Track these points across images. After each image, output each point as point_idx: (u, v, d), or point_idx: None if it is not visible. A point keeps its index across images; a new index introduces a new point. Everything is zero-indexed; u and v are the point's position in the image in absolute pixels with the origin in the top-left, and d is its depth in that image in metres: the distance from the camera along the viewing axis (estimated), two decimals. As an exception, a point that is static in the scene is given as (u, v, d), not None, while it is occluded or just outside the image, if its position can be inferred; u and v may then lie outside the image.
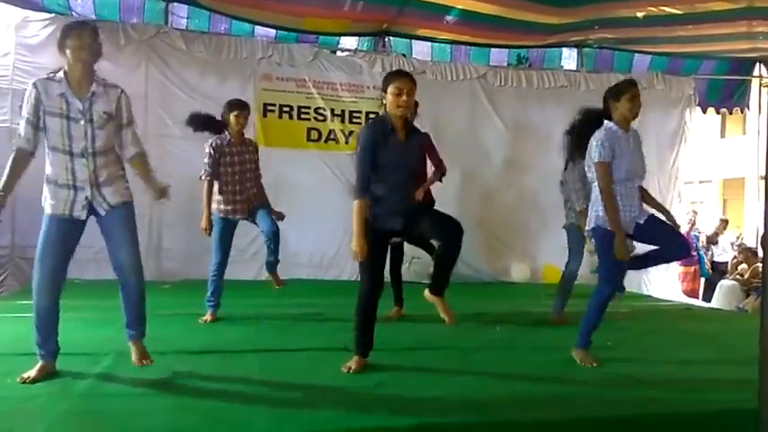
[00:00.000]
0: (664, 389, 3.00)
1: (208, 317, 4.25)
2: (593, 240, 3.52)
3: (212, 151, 4.23)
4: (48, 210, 2.75)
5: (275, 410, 2.49)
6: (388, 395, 2.74)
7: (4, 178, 2.73)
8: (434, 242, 3.34)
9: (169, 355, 3.16)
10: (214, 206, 4.24)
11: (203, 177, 4.23)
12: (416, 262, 6.32)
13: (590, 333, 3.39)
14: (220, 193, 4.23)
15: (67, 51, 2.70)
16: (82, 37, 2.69)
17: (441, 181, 4.65)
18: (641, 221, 3.35)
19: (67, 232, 2.76)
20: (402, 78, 3.06)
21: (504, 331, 4.32)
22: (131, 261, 2.84)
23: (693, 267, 9.06)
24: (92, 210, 2.77)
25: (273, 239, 4.29)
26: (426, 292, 3.14)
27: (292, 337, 3.95)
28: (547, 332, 4.42)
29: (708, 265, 9.51)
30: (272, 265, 4.38)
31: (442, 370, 3.16)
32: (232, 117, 4.25)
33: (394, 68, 7.25)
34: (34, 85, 2.70)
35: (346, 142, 7.16)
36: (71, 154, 2.70)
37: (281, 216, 4.41)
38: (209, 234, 4.22)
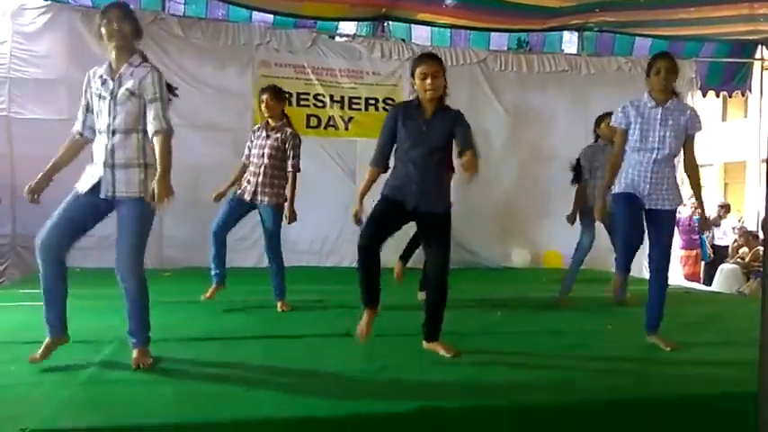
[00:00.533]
0: (664, 372, 3.01)
1: (210, 291, 4.28)
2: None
3: (250, 134, 4.44)
4: (77, 184, 2.79)
5: (278, 396, 2.50)
6: (391, 379, 2.75)
7: (52, 161, 2.82)
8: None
9: (171, 342, 3.17)
10: None
11: (243, 159, 4.41)
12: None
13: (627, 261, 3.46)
14: (247, 173, 4.32)
15: (102, 38, 2.77)
16: (109, 20, 2.72)
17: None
18: (655, 207, 3.33)
19: (79, 204, 2.74)
20: (427, 62, 3.08)
21: (504, 316, 4.34)
22: (127, 265, 2.73)
23: (695, 251, 9.07)
24: (101, 191, 2.71)
25: (273, 268, 4.28)
26: (423, 343, 3.16)
27: (294, 323, 3.96)
28: (548, 316, 4.43)
29: (709, 250, 9.51)
30: (279, 291, 4.33)
31: (437, 353, 3.17)
32: (259, 103, 4.37)
33: (393, 54, 7.25)
34: (88, 73, 2.83)
35: (346, 128, 7.14)
36: (98, 131, 2.78)
37: (292, 218, 4.27)
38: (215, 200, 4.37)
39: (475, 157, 2.90)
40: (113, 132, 2.72)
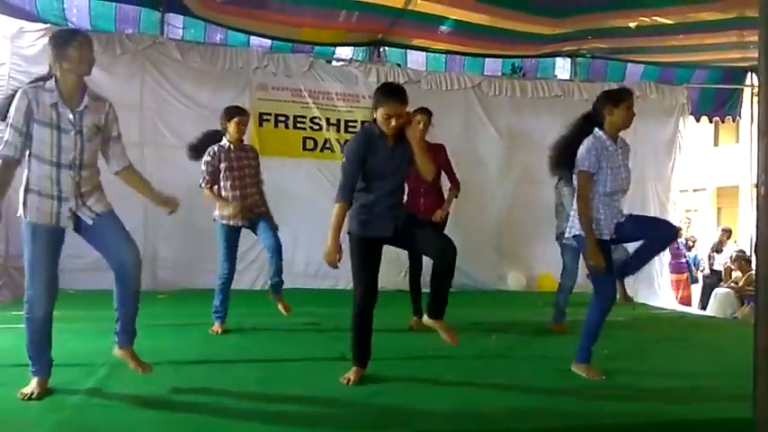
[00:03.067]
0: (660, 398, 3.00)
1: (216, 327, 4.20)
2: (577, 247, 3.50)
3: (210, 158, 4.22)
4: (33, 219, 2.66)
5: (271, 422, 2.47)
6: (385, 405, 2.73)
7: None
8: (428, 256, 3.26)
9: (164, 365, 3.14)
10: (217, 213, 4.23)
11: (202, 185, 4.23)
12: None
13: (590, 347, 3.33)
14: (221, 199, 4.21)
15: (65, 62, 2.60)
16: (83, 49, 2.63)
17: (456, 197, 4.69)
18: (621, 220, 3.30)
19: (55, 241, 2.71)
20: (392, 103, 2.95)
21: (499, 340, 4.32)
22: (134, 257, 2.74)
23: (685, 274, 9.11)
24: (77, 221, 2.71)
25: (276, 255, 4.27)
26: (425, 317, 3.15)
27: (289, 346, 3.93)
28: (543, 341, 4.42)
29: (707, 273, 9.55)
30: (277, 287, 4.32)
31: (439, 380, 3.15)
32: (232, 124, 4.25)
33: (389, 78, 7.30)
34: (25, 92, 2.59)
35: (342, 151, 7.15)
36: (58, 165, 2.63)
37: (276, 227, 4.35)
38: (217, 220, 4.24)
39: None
40: (81, 166, 2.67)
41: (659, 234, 3.41)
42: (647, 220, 3.42)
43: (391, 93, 3.01)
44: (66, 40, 2.63)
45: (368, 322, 3.07)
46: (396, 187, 3.11)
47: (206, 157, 4.23)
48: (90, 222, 2.72)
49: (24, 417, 2.41)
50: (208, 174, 4.21)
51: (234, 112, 4.33)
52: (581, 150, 3.29)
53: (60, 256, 2.77)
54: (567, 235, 3.47)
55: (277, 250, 4.26)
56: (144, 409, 2.56)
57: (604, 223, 3.27)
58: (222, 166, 4.21)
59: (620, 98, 3.28)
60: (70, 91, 2.65)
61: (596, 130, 3.32)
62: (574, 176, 3.39)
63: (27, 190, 2.66)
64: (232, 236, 4.25)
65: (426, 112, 4.55)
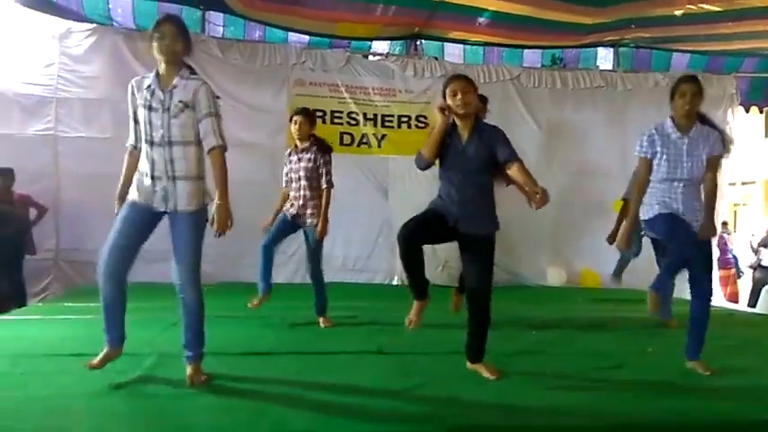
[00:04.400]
0: (705, 397, 2.92)
1: (257, 299, 4.33)
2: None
3: (285, 160, 4.46)
4: (129, 197, 2.78)
5: (313, 411, 2.51)
6: (426, 397, 2.73)
7: (120, 183, 2.86)
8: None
9: (208, 356, 3.20)
10: None
11: (282, 186, 4.47)
12: (450, 266, 6.31)
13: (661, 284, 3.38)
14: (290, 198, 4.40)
15: (153, 50, 2.75)
16: (161, 31, 2.72)
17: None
18: (694, 229, 3.25)
19: (140, 216, 2.75)
20: (456, 80, 3.09)
21: (540, 336, 4.27)
22: (186, 276, 2.77)
23: (732, 270, 8.81)
24: (169, 204, 2.74)
25: (315, 284, 4.36)
26: (467, 364, 3.15)
27: (327, 340, 3.97)
28: (583, 337, 4.34)
29: (744, 270, 9.22)
30: (319, 308, 4.40)
31: (479, 374, 3.13)
32: (291, 125, 4.39)
33: (426, 73, 7.29)
34: (131, 83, 2.81)
35: (379, 146, 7.19)
36: (151, 143, 2.73)
37: (323, 232, 4.31)
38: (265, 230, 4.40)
39: (544, 193, 2.92)
40: (170, 143, 2.72)
41: (695, 278, 3.26)
42: (701, 266, 3.28)
43: (454, 75, 3.18)
44: (152, 29, 2.75)
45: (412, 256, 3.01)
46: (462, 183, 3.06)
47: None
48: (170, 210, 2.74)
49: (76, 404, 2.50)
50: (284, 174, 4.45)
51: (293, 113, 4.47)
52: (639, 139, 3.35)
53: (144, 240, 2.79)
54: (642, 218, 3.44)
55: (314, 278, 4.36)
56: (190, 397, 2.62)
57: (660, 202, 3.27)
58: (286, 168, 4.42)
59: (673, 89, 3.29)
60: (164, 74, 2.77)
61: (666, 121, 3.32)
62: None
63: (137, 171, 2.81)
64: (285, 221, 4.35)
65: (481, 98, 4.51)
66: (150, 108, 2.74)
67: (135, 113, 2.81)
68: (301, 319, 4.46)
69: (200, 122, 2.77)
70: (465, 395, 2.78)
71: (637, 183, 3.39)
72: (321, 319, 4.37)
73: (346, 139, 7.15)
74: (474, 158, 3.06)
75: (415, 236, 3.02)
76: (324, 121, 7.05)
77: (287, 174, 4.43)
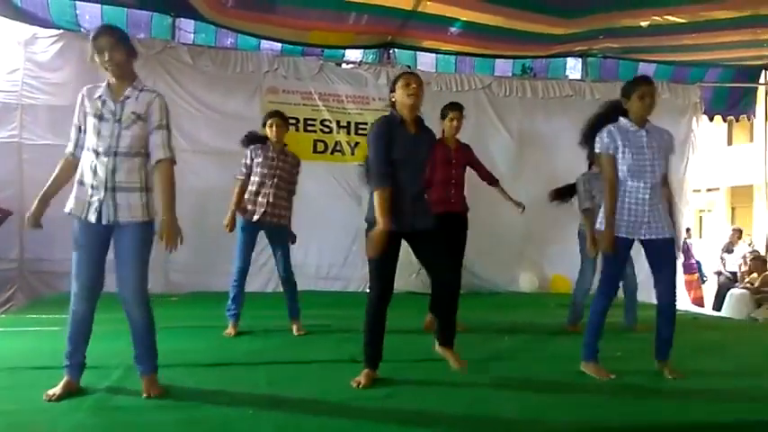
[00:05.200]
0: (676, 399, 2.97)
1: (230, 330, 4.21)
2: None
3: (249, 152, 4.31)
4: (66, 208, 2.72)
5: (282, 423, 2.48)
6: (397, 408, 2.72)
7: (47, 184, 2.77)
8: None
9: (177, 368, 3.16)
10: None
11: (237, 176, 4.31)
12: (423, 272, 6.31)
13: (595, 341, 3.32)
14: (247, 194, 4.25)
15: (95, 60, 2.71)
16: (98, 45, 2.67)
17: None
18: (658, 237, 3.24)
19: (90, 236, 2.69)
20: (408, 74, 3.15)
21: (512, 341, 4.30)
22: (131, 293, 2.70)
23: (696, 275, 9.03)
24: (99, 216, 2.66)
25: (287, 289, 4.34)
26: (436, 346, 3.17)
27: (300, 349, 3.94)
28: (556, 342, 4.39)
29: (724, 272, 9.45)
30: (293, 312, 4.38)
31: (451, 381, 3.14)
32: (267, 128, 4.33)
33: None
34: (82, 92, 2.77)
35: (352, 154, 7.19)
36: (96, 152, 2.67)
37: (292, 240, 4.37)
38: (230, 231, 4.25)
39: None
40: (116, 154, 2.66)
41: (661, 286, 3.30)
42: (669, 271, 3.32)
43: (407, 71, 3.30)
44: (90, 44, 2.70)
45: (381, 322, 3.04)
46: (417, 176, 3.07)
47: (247, 151, 4.33)
48: (108, 222, 2.66)
49: (39, 418, 2.43)
50: (244, 166, 4.30)
51: (267, 116, 4.43)
52: (597, 137, 3.30)
53: (103, 256, 2.72)
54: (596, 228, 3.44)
55: (286, 282, 4.34)
56: (156, 411, 2.57)
57: (626, 210, 3.22)
58: (257, 161, 4.27)
59: (630, 89, 3.29)
60: (115, 83, 2.74)
61: (621, 118, 3.32)
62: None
63: (75, 181, 2.74)
64: (249, 234, 4.27)
65: (459, 107, 4.55)
66: (101, 118, 2.69)
67: (81, 123, 2.75)
68: (272, 329, 4.42)
69: (151, 134, 2.72)
70: (438, 404, 2.78)
71: (607, 184, 3.24)
72: (295, 326, 4.34)
73: (320, 146, 7.13)
74: (424, 151, 3.10)
75: (389, 292, 3.03)
76: (297, 129, 7.02)
77: (251, 167, 4.26)
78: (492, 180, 4.86)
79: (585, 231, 4.52)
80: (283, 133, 4.36)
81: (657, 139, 3.29)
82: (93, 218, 2.66)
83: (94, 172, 2.67)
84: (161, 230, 2.69)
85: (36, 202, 2.75)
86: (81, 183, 2.71)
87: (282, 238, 4.34)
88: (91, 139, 2.70)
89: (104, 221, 2.66)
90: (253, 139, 4.39)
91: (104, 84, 2.76)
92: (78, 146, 2.77)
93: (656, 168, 3.24)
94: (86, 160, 2.71)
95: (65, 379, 2.72)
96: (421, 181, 3.12)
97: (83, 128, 2.75)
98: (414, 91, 3.02)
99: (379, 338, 3.06)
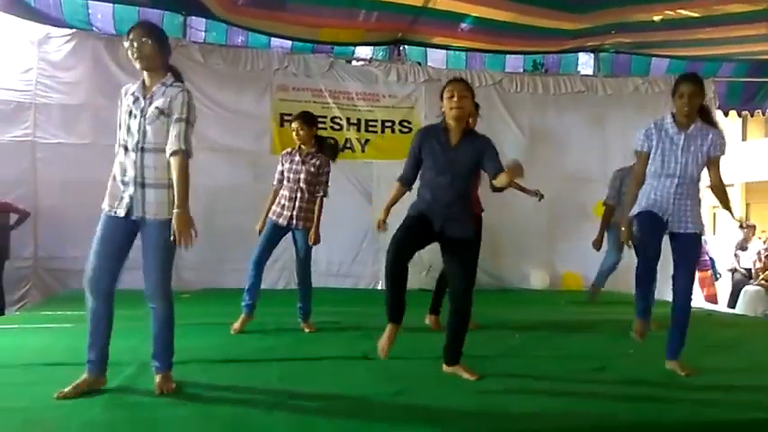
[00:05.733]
0: (688, 397, 2.95)
1: (237, 324, 4.20)
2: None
3: (281, 159, 4.38)
4: (103, 206, 2.75)
5: (295, 419, 2.49)
6: (409, 404, 2.72)
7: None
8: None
9: (190, 364, 3.18)
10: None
11: (272, 183, 4.38)
12: (434, 269, 6.30)
13: (640, 302, 3.45)
14: (279, 198, 4.32)
15: (129, 55, 2.73)
16: (131, 41, 2.69)
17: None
18: (681, 232, 3.28)
19: (113, 230, 2.70)
20: (453, 83, 3.15)
21: (524, 339, 4.28)
22: (156, 287, 2.73)
23: (709, 272, 8.94)
24: (132, 212, 2.68)
25: (302, 289, 4.36)
26: (444, 366, 3.16)
27: (311, 345, 3.95)
28: (566, 340, 4.37)
29: (739, 269, 9.36)
30: (304, 314, 4.39)
31: (462, 378, 3.13)
32: (293, 131, 4.35)
33: (409, 78, 7.31)
34: (123, 89, 2.82)
35: (362, 151, 7.19)
36: (126, 149, 2.71)
37: (316, 240, 4.34)
38: (261, 233, 4.30)
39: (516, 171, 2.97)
40: (143, 150, 2.68)
41: (677, 280, 3.32)
42: (688, 264, 3.33)
43: (453, 79, 3.28)
44: (126, 39, 2.71)
45: (396, 278, 2.99)
46: (449, 187, 3.07)
47: (279, 157, 4.42)
48: (137, 218, 2.68)
49: (53, 415, 2.45)
50: (277, 173, 4.36)
51: (292, 118, 4.45)
52: (638, 133, 3.42)
53: (125, 252, 2.74)
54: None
55: (302, 285, 4.36)
56: (170, 407, 2.59)
57: (650, 200, 3.33)
58: (286, 167, 4.32)
59: (674, 88, 3.34)
60: (147, 81, 2.77)
61: (665, 117, 3.37)
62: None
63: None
64: (273, 230, 4.28)
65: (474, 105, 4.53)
66: (130, 114, 2.73)
67: (120, 120, 2.78)
68: (284, 326, 4.43)
69: (171, 127, 2.71)
70: (449, 400, 2.78)
71: (633, 177, 3.48)
72: (304, 325, 4.36)
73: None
74: (462, 163, 3.09)
75: (406, 249, 3.01)
76: (307, 126, 7.03)
77: (282, 173, 4.33)
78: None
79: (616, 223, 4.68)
80: (308, 136, 4.33)
81: (698, 143, 3.29)
82: (122, 212, 2.69)
83: (125, 168, 2.71)
84: (174, 224, 2.64)
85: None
86: (114, 179, 2.76)
87: (303, 241, 4.32)
88: (121, 135, 2.75)
89: (133, 216, 2.69)
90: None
91: (140, 81, 2.80)
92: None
93: (687, 173, 3.29)
94: (118, 156, 2.76)
95: (84, 376, 2.72)
96: (455, 190, 3.09)
97: (120, 124, 2.79)
98: (455, 104, 3.04)
99: (395, 293, 3.01)
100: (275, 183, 4.36)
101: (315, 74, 7.07)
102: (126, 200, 2.69)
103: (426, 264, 6.57)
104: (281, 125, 6.93)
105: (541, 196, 4.97)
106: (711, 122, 3.39)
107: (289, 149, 4.42)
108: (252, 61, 6.89)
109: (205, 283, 6.33)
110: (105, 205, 2.74)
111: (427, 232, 3.08)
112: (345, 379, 3.09)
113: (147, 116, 2.70)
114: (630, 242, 3.51)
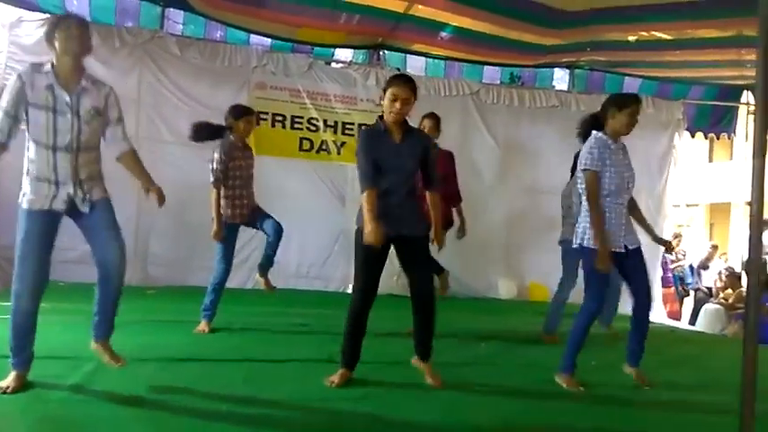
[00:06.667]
0: (646, 410, 3.01)
1: (203, 327, 4.15)
2: (580, 257, 3.47)
3: (223, 156, 4.13)
4: (25, 205, 2.65)
5: (255, 423, 2.46)
6: (371, 411, 2.72)
7: None
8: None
9: (150, 362, 3.13)
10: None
11: (213, 183, 4.13)
12: (404, 275, 6.31)
13: (575, 355, 3.34)
14: (225, 197, 4.16)
15: (56, 43, 2.62)
16: (70, 29, 2.62)
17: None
18: (631, 247, 3.31)
19: (48, 230, 2.67)
20: (400, 84, 3.02)
21: (489, 348, 4.32)
22: (119, 258, 2.73)
23: (672, 288, 9.15)
24: (72, 207, 2.67)
25: (276, 236, 4.27)
26: (413, 359, 3.16)
27: (277, 347, 3.91)
28: (532, 350, 4.42)
29: (701, 287, 9.60)
30: (264, 267, 4.33)
31: (426, 386, 3.15)
32: (243, 123, 4.25)
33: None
34: (19, 75, 2.61)
35: (338, 153, 7.17)
36: (54, 148, 2.61)
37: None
38: (220, 240, 4.15)
39: (443, 230, 3.06)
40: (78, 149, 2.64)
41: (637, 292, 3.36)
42: (642, 278, 3.36)
43: (399, 77, 3.17)
44: (56, 23, 2.66)
45: (361, 324, 3.04)
46: (402, 182, 3.06)
47: (218, 154, 4.13)
48: (85, 210, 2.69)
49: (9, 408, 2.39)
50: (220, 171, 4.12)
51: (245, 110, 4.37)
52: (583, 151, 3.34)
53: (53, 248, 2.72)
54: (573, 244, 3.41)
55: (277, 232, 4.28)
56: (128, 406, 2.54)
57: (610, 227, 3.25)
58: (232, 164, 4.17)
59: (624, 103, 3.31)
60: (66, 74, 2.64)
61: (594, 132, 3.35)
62: (578, 180, 3.40)
63: (27, 175, 2.67)
64: (231, 234, 4.23)
65: (433, 117, 4.55)
66: (55, 111, 2.60)
67: (18, 111, 2.58)
68: (250, 326, 4.39)
69: (109, 127, 2.76)
70: (412, 407, 2.79)
71: (593, 202, 3.22)
72: (263, 280, 4.33)
73: (305, 144, 7.10)
74: (410, 159, 3.07)
75: (373, 292, 3.03)
76: (284, 126, 7.00)
77: (227, 170, 4.13)
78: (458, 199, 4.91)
79: (568, 242, 4.54)
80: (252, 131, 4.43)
81: (627, 154, 3.39)
82: (63, 208, 2.66)
83: (54, 167, 2.62)
84: (158, 195, 2.85)
85: None
86: (37, 178, 2.64)
87: (270, 219, 4.29)
88: (42, 133, 2.59)
89: (82, 209, 2.67)
90: (210, 133, 4.26)
91: (47, 71, 2.62)
92: (11, 136, 2.63)
93: (632, 183, 3.35)
94: (39, 155, 2.62)
95: (14, 373, 2.63)
96: (407, 187, 3.09)
97: (19, 117, 2.60)
98: (397, 110, 2.99)
99: (358, 340, 3.07)
100: (216, 181, 4.13)
101: (293, 73, 7.04)
102: (64, 197, 2.65)
103: (397, 269, 6.59)
104: (257, 124, 6.85)
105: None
106: None
107: (225, 143, 4.20)
108: (230, 57, 6.81)
109: (171, 280, 6.22)
110: (30, 205, 2.64)
111: (383, 250, 3.04)
112: (310, 382, 3.07)
113: (80, 115, 2.64)
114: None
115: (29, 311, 2.65)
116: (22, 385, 2.62)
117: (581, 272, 3.53)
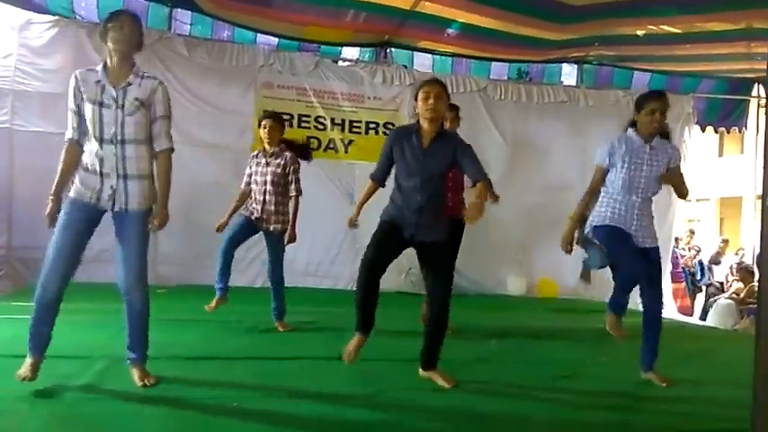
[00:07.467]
0: (659, 406, 3.00)
1: (212, 303, 4.22)
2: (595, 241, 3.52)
3: (249, 161, 4.39)
4: (72, 194, 2.70)
5: (269, 419, 2.47)
6: (384, 405, 2.73)
7: (57, 176, 2.75)
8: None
9: (162, 360, 3.14)
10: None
11: (240, 186, 4.40)
12: (413, 273, 6.33)
13: (622, 298, 3.38)
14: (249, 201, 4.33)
15: (108, 41, 2.69)
16: (122, 26, 2.68)
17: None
18: (645, 246, 3.31)
19: (87, 219, 2.69)
20: (429, 83, 3.08)
21: (500, 344, 4.31)
22: (135, 276, 2.73)
23: (683, 284, 9.10)
24: (113, 205, 2.70)
25: (275, 289, 4.33)
26: (420, 370, 3.13)
27: (288, 345, 3.93)
28: (543, 346, 4.42)
29: (713, 282, 9.53)
30: (278, 313, 4.38)
31: (436, 383, 3.14)
32: (260, 130, 4.35)
33: (395, 80, 7.33)
34: (75, 75, 2.72)
35: (346, 152, 7.18)
36: (101, 140, 2.67)
37: (292, 239, 4.32)
38: (219, 231, 4.30)
39: (482, 203, 2.84)
40: (123, 142, 2.68)
41: (647, 294, 3.33)
42: (653, 277, 3.35)
43: (429, 79, 3.22)
44: (107, 21, 2.71)
45: (368, 291, 2.99)
46: (421, 187, 3.01)
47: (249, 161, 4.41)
48: (118, 210, 2.71)
49: (21, 407, 2.41)
50: (246, 176, 4.37)
51: (262, 117, 4.43)
52: (600, 147, 3.40)
53: (87, 242, 2.73)
54: (586, 230, 3.48)
55: (275, 285, 4.33)
56: (140, 404, 2.56)
57: (615, 213, 3.30)
58: (253, 169, 4.33)
59: (641, 104, 3.34)
60: (115, 69, 2.72)
61: (629, 130, 3.38)
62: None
63: (79, 167, 2.73)
64: (245, 221, 4.27)
65: (453, 108, 4.53)
66: (101, 104, 2.67)
67: (78, 107, 2.71)
68: (260, 324, 4.41)
69: (155, 123, 2.76)
70: (423, 403, 2.79)
71: (590, 189, 3.40)
72: (278, 324, 4.34)
73: (313, 143, 7.08)
74: (434, 165, 3.04)
75: (377, 268, 2.99)
76: (291, 125, 6.99)
77: (250, 175, 4.35)
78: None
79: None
80: (275, 136, 4.31)
81: (660, 158, 3.34)
82: (107, 205, 2.69)
83: (101, 159, 2.68)
84: (157, 221, 2.79)
85: (51, 198, 2.73)
86: (87, 169, 2.71)
87: (273, 243, 4.30)
88: (91, 126, 2.69)
89: (116, 208, 2.70)
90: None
91: (99, 68, 2.73)
92: (81, 131, 2.74)
93: (651, 186, 3.33)
94: (89, 147, 2.72)
95: (30, 360, 2.67)
96: (427, 192, 3.04)
97: (81, 112, 2.71)
98: (431, 106, 3.00)
99: (367, 310, 3.00)
100: (243, 185, 4.38)
101: (300, 72, 7.05)
102: (108, 191, 2.68)
103: (405, 266, 6.59)
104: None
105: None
106: (668, 138, 3.44)
107: (256, 152, 4.42)
108: (237, 56, 6.84)
109: (181, 278, 6.26)
110: (76, 194, 2.70)
111: (399, 241, 3.05)
112: (321, 379, 3.08)
113: (125, 107, 2.67)
114: (577, 245, 3.49)
115: (52, 295, 2.66)
116: (37, 372, 2.64)
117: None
